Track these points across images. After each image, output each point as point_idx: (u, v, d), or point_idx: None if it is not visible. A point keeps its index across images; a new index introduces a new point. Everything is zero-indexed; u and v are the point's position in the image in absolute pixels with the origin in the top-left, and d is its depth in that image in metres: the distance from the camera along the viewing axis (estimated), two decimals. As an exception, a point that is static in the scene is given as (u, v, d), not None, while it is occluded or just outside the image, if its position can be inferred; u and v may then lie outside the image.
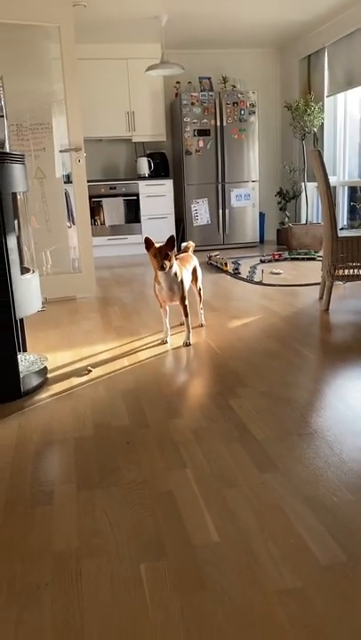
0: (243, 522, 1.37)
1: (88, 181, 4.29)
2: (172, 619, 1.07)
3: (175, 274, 2.75)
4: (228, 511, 1.42)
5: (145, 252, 2.74)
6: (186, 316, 2.87)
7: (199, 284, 3.17)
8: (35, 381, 2.37)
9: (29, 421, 2.06)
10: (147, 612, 1.09)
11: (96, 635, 1.05)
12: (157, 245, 2.65)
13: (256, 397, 2.16)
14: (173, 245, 2.66)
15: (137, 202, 6.53)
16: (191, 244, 3.26)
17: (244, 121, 6.50)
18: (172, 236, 2.66)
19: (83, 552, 1.29)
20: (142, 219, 6.56)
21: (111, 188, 6.45)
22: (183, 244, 3.26)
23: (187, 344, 2.88)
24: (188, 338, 2.90)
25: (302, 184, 6.53)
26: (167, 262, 2.65)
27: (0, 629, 1.07)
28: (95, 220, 6.40)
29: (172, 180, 6.62)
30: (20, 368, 2.30)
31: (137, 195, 6.52)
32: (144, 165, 6.63)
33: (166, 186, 6.59)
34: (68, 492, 1.55)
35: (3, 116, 2.20)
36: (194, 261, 3.10)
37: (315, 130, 6.16)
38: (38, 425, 2.02)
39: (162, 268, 2.64)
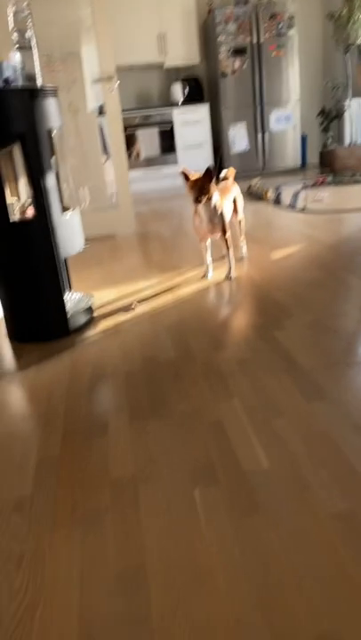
0: (292, 449, 1.40)
1: (122, 112, 4.16)
2: (227, 540, 1.13)
3: (215, 206, 2.68)
4: (277, 439, 1.45)
5: (182, 184, 2.67)
6: (227, 248, 2.83)
7: (240, 214, 3.09)
8: (82, 319, 2.42)
9: (80, 357, 2.12)
10: (202, 534, 1.15)
11: (155, 555, 1.11)
12: (194, 178, 2.58)
13: (301, 328, 2.14)
14: (211, 177, 2.58)
15: (172, 131, 6.33)
16: (232, 170, 3.15)
17: (283, 36, 6.08)
18: (209, 168, 2.57)
19: (138, 478, 1.35)
20: (178, 148, 6.37)
21: (145, 118, 6.24)
22: (223, 172, 3.15)
23: (229, 277, 2.86)
24: (230, 271, 2.87)
25: (346, 101, 6.16)
26: (204, 196, 2.58)
27: (67, 549, 1.16)
28: (130, 153, 6.25)
29: (207, 106, 6.34)
30: (67, 307, 2.35)
31: (172, 123, 6.30)
32: (178, 91, 6.36)
33: (202, 112, 6.33)
34: (121, 423, 1.61)
35: (33, 48, 2.13)
36: (235, 190, 3.01)
37: (360, 41, 5.73)
38: (89, 360, 2.08)
39: (199, 201, 2.58)
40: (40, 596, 1.05)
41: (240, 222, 3.12)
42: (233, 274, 2.86)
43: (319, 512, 1.17)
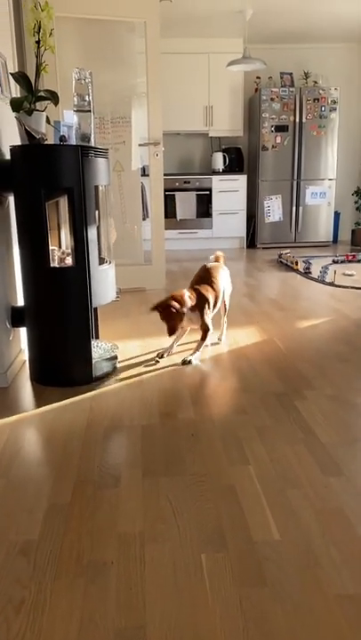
0: (304, 522, 1.37)
1: (163, 175, 4.35)
2: (231, 610, 1.10)
3: (192, 318, 2.64)
4: (289, 511, 1.43)
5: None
6: (202, 340, 2.69)
7: (226, 297, 2.94)
8: (105, 368, 2.45)
9: (100, 406, 2.14)
10: (206, 601, 1.13)
11: (157, 615, 1.09)
12: (161, 307, 2.54)
13: (323, 400, 2.14)
14: (172, 311, 2.52)
15: (209, 196, 6.55)
16: (219, 253, 3.05)
17: (325, 118, 6.36)
18: (168, 304, 2.52)
19: (147, 536, 1.34)
20: (214, 214, 6.58)
21: (185, 182, 6.49)
22: (211, 258, 3.02)
23: (186, 362, 2.60)
24: (193, 355, 2.64)
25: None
26: (175, 328, 2.59)
27: (68, 599, 1.14)
28: (167, 213, 6.45)
29: (246, 176, 6.59)
30: (93, 354, 2.39)
31: (210, 189, 6.53)
32: (219, 160, 6.63)
33: (240, 181, 6.57)
34: (134, 478, 1.61)
35: (90, 111, 2.28)
36: (224, 275, 2.89)
37: None
38: (108, 410, 2.10)
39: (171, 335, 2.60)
40: (36, 646, 1.03)
41: (224, 305, 2.95)
42: (195, 359, 2.64)
43: (327, 592, 1.14)
